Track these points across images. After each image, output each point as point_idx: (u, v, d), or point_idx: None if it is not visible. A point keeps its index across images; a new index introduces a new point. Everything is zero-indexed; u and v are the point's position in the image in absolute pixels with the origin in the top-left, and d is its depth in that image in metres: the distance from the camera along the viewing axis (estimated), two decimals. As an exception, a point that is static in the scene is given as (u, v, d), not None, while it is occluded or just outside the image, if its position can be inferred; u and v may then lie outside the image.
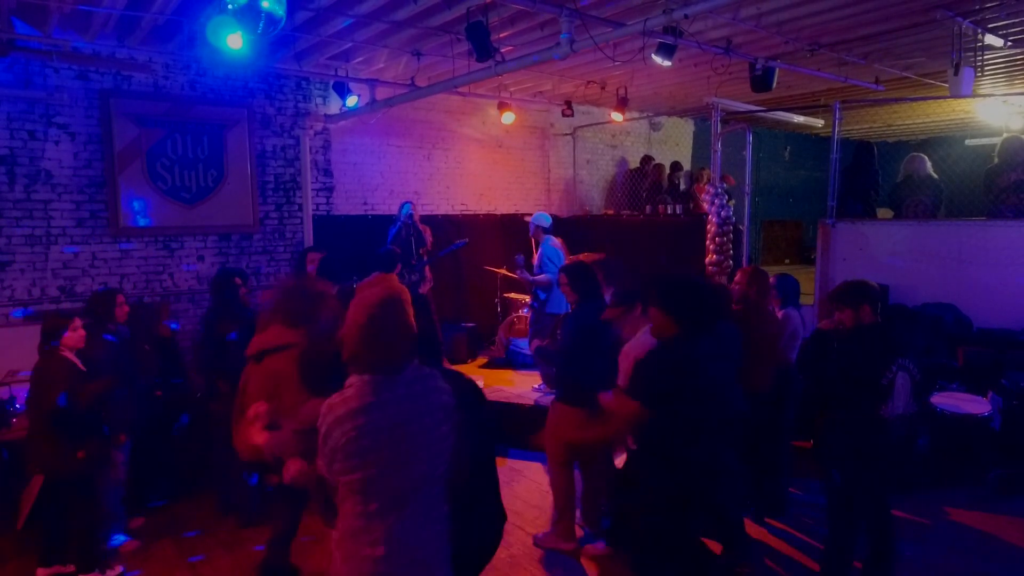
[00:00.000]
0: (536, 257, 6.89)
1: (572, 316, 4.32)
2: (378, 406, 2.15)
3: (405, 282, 6.19)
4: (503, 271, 8.09)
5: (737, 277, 4.87)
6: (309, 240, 7.48)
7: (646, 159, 10.16)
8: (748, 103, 8.82)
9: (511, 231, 8.96)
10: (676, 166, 10.07)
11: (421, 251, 7.27)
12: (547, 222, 7.04)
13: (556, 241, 7.01)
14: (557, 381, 4.58)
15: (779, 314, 4.74)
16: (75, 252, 6.15)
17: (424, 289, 7.28)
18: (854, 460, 3.52)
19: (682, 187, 9.90)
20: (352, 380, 2.19)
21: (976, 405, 5.29)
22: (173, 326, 5.56)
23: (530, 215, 7.31)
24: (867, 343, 3.56)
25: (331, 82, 7.15)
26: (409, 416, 2.18)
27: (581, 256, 5.09)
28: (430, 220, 7.76)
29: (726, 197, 7.41)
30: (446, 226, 8.23)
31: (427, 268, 7.35)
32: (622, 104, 7.93)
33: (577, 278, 4.29)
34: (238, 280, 5.14)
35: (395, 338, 2.20)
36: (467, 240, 7.67)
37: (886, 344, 3.55)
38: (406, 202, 7.48)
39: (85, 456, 3.96)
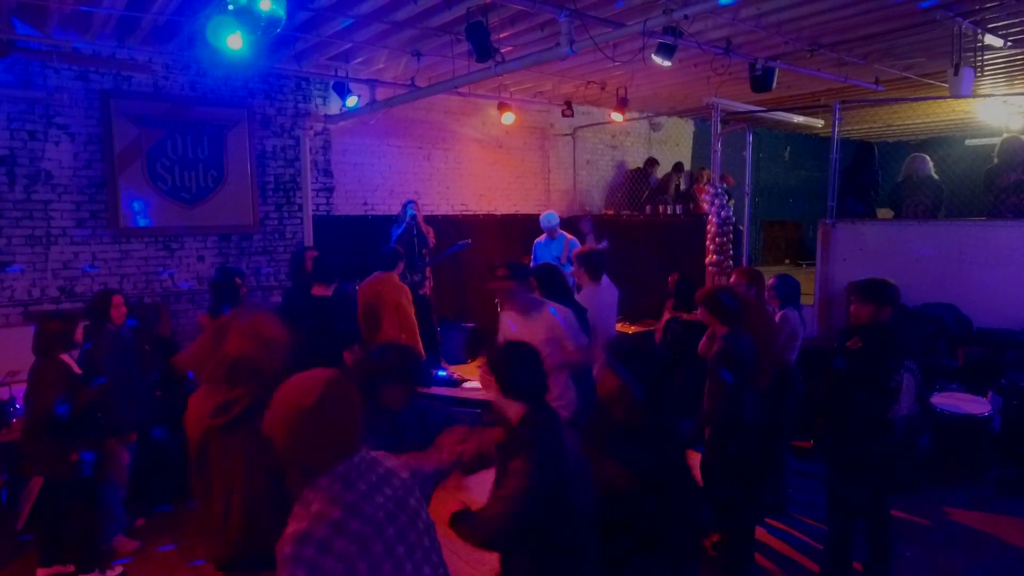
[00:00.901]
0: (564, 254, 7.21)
1: None
2: (354, 507, 1.80)
3: (407, 282, 6.19)
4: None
5: (734, 278, 4.86)
6: (309, 240, 7.47)
7: (651, 162, 10.14)
8: (748, 103, 8.81)
9: (511, 231, 8.95)
10: (677, 167, 10.08)
11: (424, 252, 7.27)
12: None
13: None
14: None
15: (778, 315, 4.73)
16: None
17: (426, 290, 7.28)
18: (858, 462, 3.51)
19: (682, 187, 9.90)
20: (308, 494, 1.81)
21: (976, 405, 5.28)
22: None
23: (531, 215, 7.37)
24: (880, 342, 3.56)
25: (331, 82, 7.15)
26: (386, 506, 1.87)
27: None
28: (430, 221, 7.75)
29: (726, 197, 7.41)
30: (446, 226, 8.22)
31: (428, 269, 7.35)
32: (622, 104, 7.93)
33: (547, 280, 4.27)
34: (238, 280, 5.14)
35: (347, 424, 1.86)
36: (470, 241, 7.68)
37: (896, 345, 3.54)
38: (409, 201, 7.46)
39: (78, 459, 3.96)
